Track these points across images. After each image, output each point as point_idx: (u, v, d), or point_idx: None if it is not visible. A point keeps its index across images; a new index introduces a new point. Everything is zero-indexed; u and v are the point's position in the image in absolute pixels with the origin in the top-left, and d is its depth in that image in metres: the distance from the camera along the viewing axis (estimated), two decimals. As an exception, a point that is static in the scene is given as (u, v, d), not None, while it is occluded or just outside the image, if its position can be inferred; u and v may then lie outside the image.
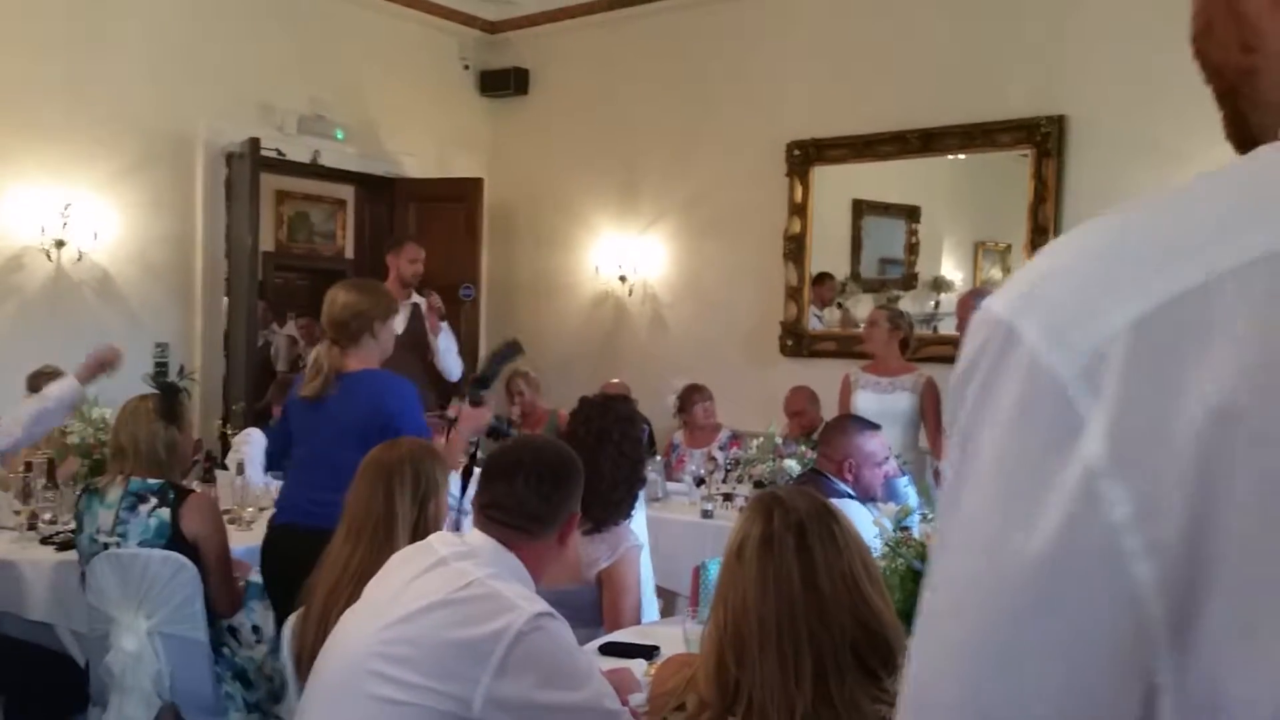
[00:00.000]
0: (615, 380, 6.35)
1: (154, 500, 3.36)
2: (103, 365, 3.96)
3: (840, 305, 6.95)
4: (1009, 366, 0.58)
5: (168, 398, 3.54)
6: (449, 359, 6.34)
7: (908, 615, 2.27)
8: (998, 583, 0.57)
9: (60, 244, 5.94)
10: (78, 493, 3.62)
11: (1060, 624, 0.55)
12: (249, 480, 4.49)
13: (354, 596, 2.22)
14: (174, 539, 3.33)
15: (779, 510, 1.71)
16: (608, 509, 3.09)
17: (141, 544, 3.29)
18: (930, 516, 2.65)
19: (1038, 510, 0.55)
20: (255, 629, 3.49)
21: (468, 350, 7.63)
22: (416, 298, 6.25)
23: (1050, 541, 0.55)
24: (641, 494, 3.34)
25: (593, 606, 3.06)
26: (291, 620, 2.60)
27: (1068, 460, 0.55)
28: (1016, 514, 0.56)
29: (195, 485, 4.04)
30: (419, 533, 2.46)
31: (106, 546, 3.30)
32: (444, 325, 6.30)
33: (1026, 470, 0.57)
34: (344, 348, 3.43)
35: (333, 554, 2.53)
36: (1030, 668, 0.56)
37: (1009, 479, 0.57)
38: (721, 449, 5.43)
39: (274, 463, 4.03)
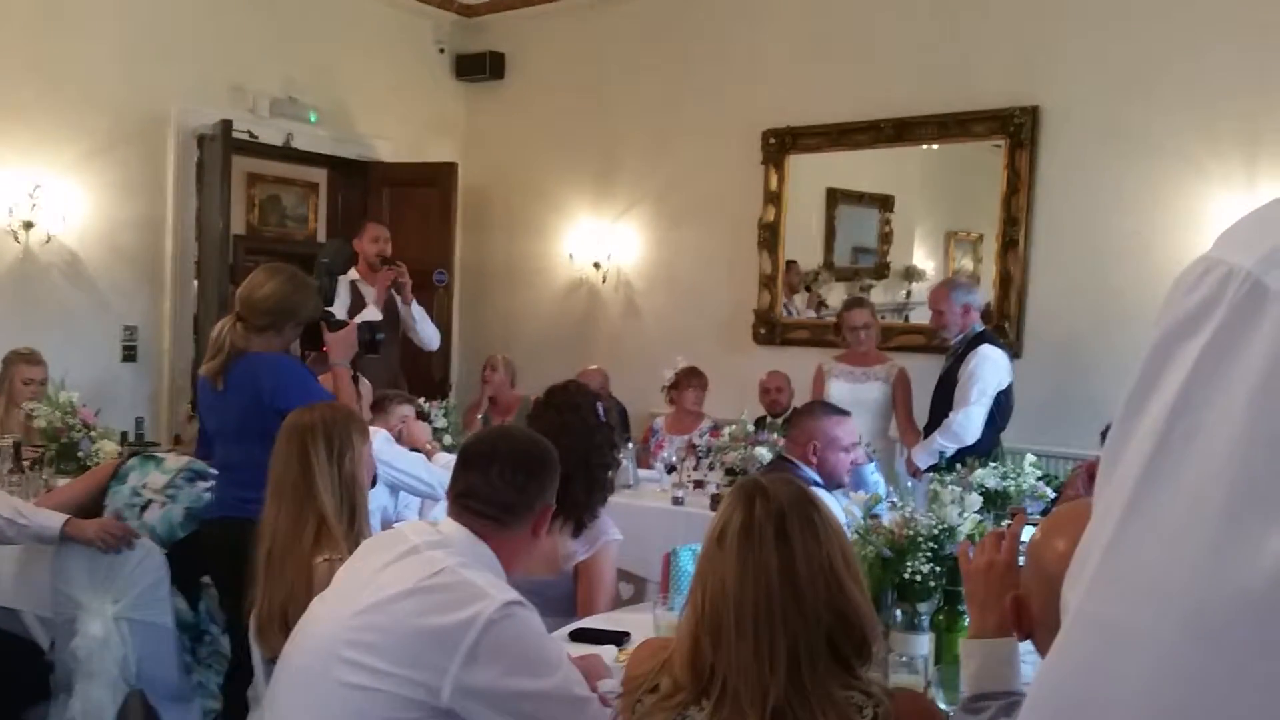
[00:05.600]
0: (593, 367, 6.35)
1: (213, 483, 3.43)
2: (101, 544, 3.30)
3: (809, 289, 6.97)
4: (1257, 326, 0.49)
5: None
6: (425, 329, 6.38)
7: (876, 602, 2.29)
8: (1228, 591, 0.47)
9: (28, 226, 5.86)
10: (124, 455, 3.71)
11: None
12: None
13: (286, 552, 2.55)
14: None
15: (760, 498, 1.72)
16: (578, 508, 3.06)
17: (188, 510, 3.40)
18: (900, 504, 2.67)
19: None
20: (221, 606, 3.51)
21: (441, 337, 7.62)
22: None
23: None
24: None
25: (568, 597, 3.06)
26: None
27: None
28: (1265, 503, 0.47)
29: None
30: (342, 486, 2.66)
31: (149, 504, 3.32)
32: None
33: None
34: (249, 331, 3.24)
35: (265, 519, 2.66)
36: (1253, 700, 0.46)
37: (1253, 459, 0.48)
38: (702, 437, 5.44)
39: (202, 449, 3.80)
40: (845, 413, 3.88)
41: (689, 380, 6.10)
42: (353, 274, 6.28)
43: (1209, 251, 0.53)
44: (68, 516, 3.27)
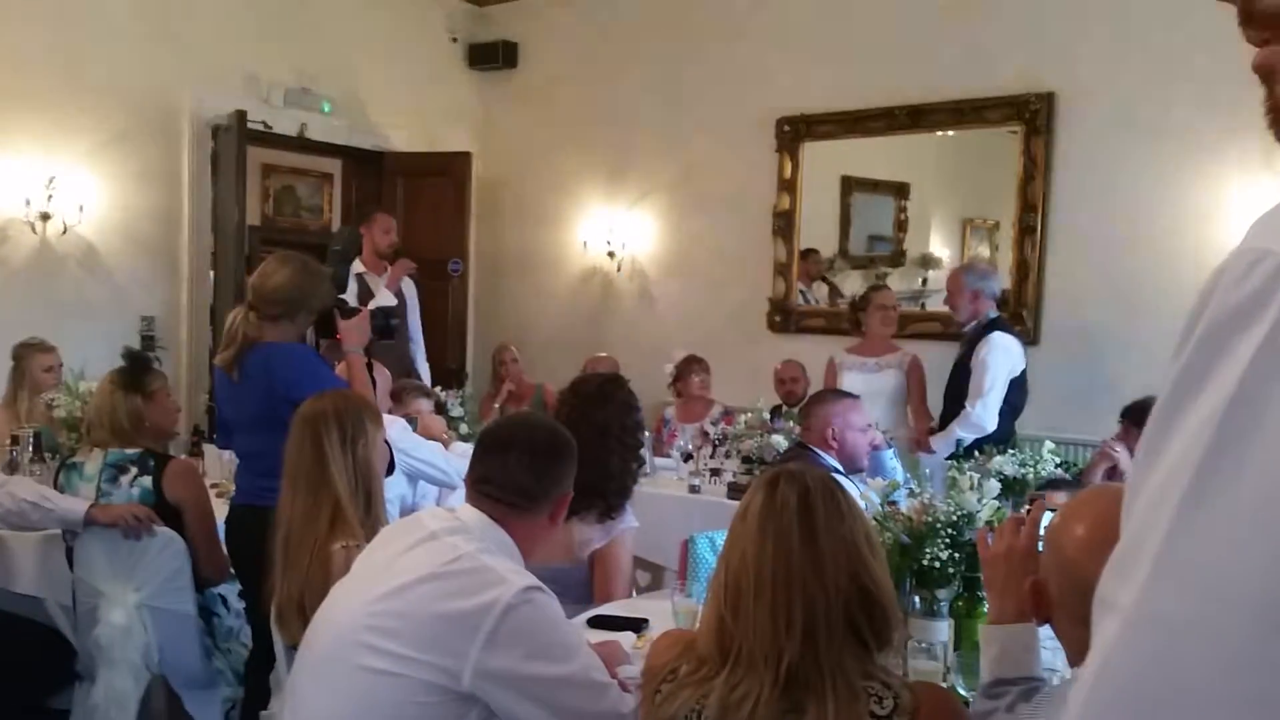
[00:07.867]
0: (602, 355, 6.35)
1: (134, 470, 3.37)
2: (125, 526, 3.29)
3: (826, 279, 6.96)
4: None
5: (130, 367, 3.53)
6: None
7: (895, 588, 2.29)
8: None
9: (45, 217, 5.89)
10: (55, 468, 3.61)
11: None
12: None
13: (302, 539, 2.57)
14: (158, 507, 3.33)
15: (785, 479, 1.75)
16: (618, 496, 3.09)
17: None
18: (918, 491, 2.66)
19: None
20: (241, 595, 3.50)
21: (454, 327, 7.64)
22: (406, 285, 6.29)
23: None
24: None
25: (584, 585, 3.07)
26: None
27: None
28: None
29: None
30: (357, 473, 2.67)
31: None
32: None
33: None
34: (262, 320, 3.24)
35: (281, 507, 2.67)
36: None
37: None
38: (714, 424, 5.45)
39: (221, 438, 3.80)
40: (855, 396, 3.95)
41: (690, 367, 6.11)
42: (357, 265, 6.29)
43: (1253, 242, 0.53)
44: (92, 501, 3.29)
